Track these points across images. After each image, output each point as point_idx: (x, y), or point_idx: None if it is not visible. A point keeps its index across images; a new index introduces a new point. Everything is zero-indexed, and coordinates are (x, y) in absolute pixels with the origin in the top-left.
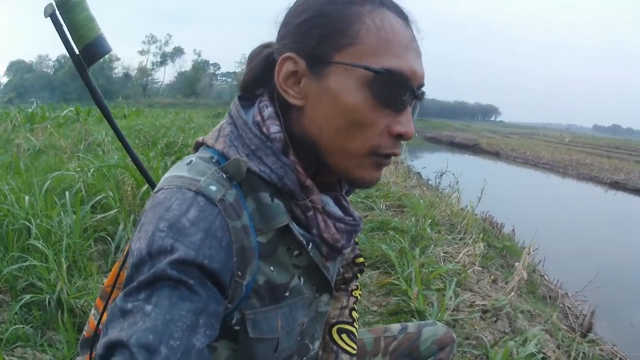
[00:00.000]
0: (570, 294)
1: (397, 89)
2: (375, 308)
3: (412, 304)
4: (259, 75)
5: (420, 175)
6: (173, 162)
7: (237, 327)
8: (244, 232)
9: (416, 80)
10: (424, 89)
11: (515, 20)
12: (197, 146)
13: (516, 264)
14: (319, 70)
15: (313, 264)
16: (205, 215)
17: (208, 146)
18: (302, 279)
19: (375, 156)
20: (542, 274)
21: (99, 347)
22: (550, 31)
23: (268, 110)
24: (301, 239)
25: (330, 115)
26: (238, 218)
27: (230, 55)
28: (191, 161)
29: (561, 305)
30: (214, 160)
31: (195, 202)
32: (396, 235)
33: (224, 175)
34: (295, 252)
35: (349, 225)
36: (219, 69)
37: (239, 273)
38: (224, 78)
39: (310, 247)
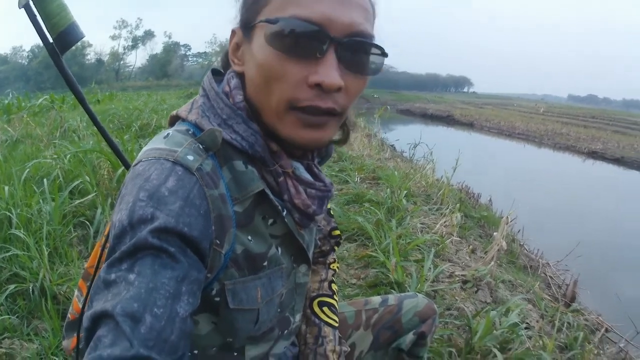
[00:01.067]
0: (552, 263)
1: (303, 37)
2: (354, 281)
3: (391, 276)
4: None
5: (394, 147)
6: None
7: (217, 298)
8: (221, 200)
9: (332, 27)
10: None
11: None
12: (172, 120)
13: (494, 233)
14: (248, 36)
15: (289, 232)
16: (184, 184)
17: (183, 119)
18: (279, 249)
19: (297, 111)
20: (522, 243)
21: (85, 320)
22: (524, 2)
23: (234, 81)
24: (276, 203)
25: (253, 73)
26: (215, 187)
27: (201, 36)
28: (168, 134)
29: (543, 275)
30: (190, 132)
31: (173, 172)
32: (372, 208)
33: (200, 146)
34: (270, 221)
35: (319, 190)
36: (189, 49)
37: (218, 241)
38: (195, 59)
39: (284, 213)
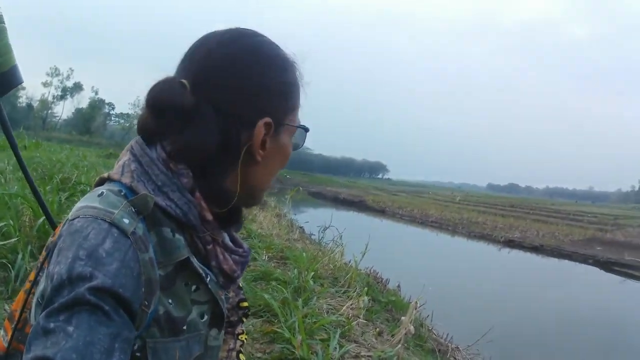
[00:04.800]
0: (462, 347)
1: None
2: (259, 355)
3: (296, 352)
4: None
5: (303, 229)
6: (67, 198)
7: (138, 354)
8: (150, 264)
9: None
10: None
11: (406, 80)
12: (101, 182)
13: (402, 317)
14: (278, 130)
15: (212, 299)
16: (119, 246)
17: (114, 180)
18: (199, 314)
19: None
20: (430, 328)
21: None
22: (440, 91)
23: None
24: (200, 271)
25: (277, 165)
26: (146, 250)
27: (125, 97)
28: (102, 193)
29: (452, 358)
30: (122, 193)
31: (110, 233)
32: (279, 286)
33: (133, 209)
34: (193, 287)
35: (241, 256)
36: (113, 109)
37: (146, 303)
38: (117, 119)
39: (208, 279)
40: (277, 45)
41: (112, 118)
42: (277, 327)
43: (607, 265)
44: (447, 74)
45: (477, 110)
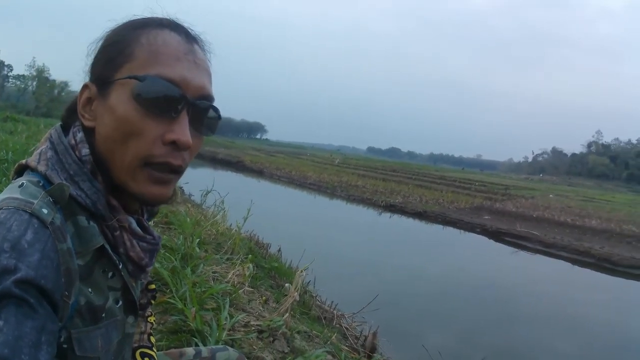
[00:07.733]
0: (347, 315)
1: (164, 96)
2: (154, 325)
3: (191, 324)
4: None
5: (183, 190)
6: None
7: (65, 345)
8: (68, 254)
9: (189, 89)
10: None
11: (288, 40)
12: (20, 168)
13: (286, 285)
14: (104, 91)
15: (125, 285)
16: (40, 237)
17: (32, 169)
18: (114, 301)
19: (150, 168)
20: (314, 295)
21: None
22: (324, 54)
23: (80, 135)
24: (115, 258)
25: (109, 129)
26: (64, 240)
27: (24, 58)
28: (22, 184)
29: (338, 326)
30: (40, 184)
31: (30, 224)
32: (167, 254)
33: (51, 199)
34: (110, 274)
35: (150, 244)
36: (11, 70)
37: (67, 293)
38: (14, 81)
39: (121, 267)
40: (139, 17)
41: (10, 80)
42: (169, 297)
43: (497, 235)
44: (334, 37)
45: (360, 74)
